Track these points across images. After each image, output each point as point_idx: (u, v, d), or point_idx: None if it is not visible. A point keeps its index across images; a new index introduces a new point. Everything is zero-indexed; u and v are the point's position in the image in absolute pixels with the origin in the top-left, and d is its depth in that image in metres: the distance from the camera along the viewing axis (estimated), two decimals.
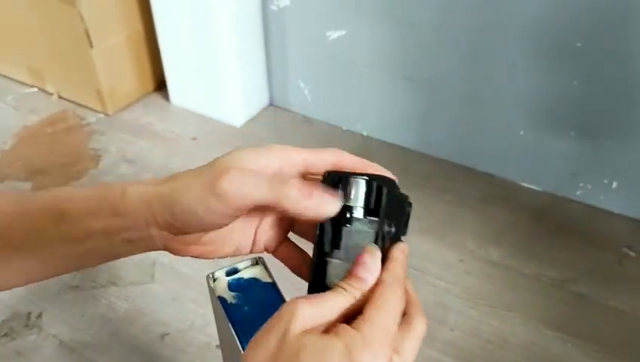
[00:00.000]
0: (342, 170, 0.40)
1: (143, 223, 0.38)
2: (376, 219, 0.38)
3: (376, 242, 0.38)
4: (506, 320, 1.03)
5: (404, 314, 0.37)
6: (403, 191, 0.42)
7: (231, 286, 0.46)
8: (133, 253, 0.41)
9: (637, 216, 1.21)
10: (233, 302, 0.45)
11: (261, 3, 1.40)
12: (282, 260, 0.43)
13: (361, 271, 0.36)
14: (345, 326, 0.34)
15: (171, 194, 0.38)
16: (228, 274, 0.46)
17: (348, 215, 0.38)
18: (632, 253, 1.15)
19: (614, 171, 1.20)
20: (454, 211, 1.24)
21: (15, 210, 0.41)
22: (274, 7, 1.40)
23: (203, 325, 1.01)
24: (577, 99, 1.15)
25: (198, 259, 0.42)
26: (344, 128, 1.48)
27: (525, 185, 1.30)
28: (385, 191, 0.39)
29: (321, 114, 1.50)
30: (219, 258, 0.41)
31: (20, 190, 0.34)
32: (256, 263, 0.47)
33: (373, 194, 0.39)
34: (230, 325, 0.43)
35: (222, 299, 0.45)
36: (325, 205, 0.37)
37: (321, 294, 0.35)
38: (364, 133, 1.46)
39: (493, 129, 1.28)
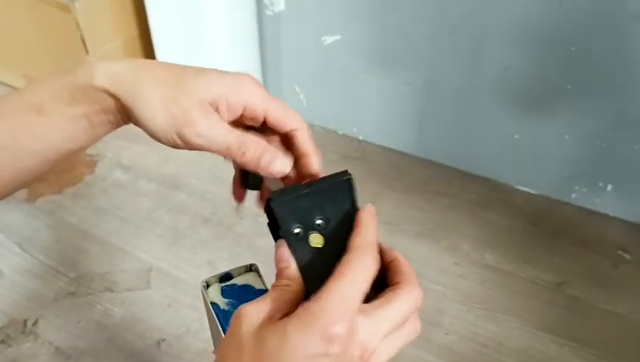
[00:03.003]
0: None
1: (114, 107, 0.41)
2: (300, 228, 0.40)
3: (327, 230, 0.39)
4: (501, 323, 1.03)
5: (395, 283, 0.37)
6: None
7: (224, 293, 0.46)
8: (116, 128, 0.44)
9: (632, 219, 1.22)
10: (226, 308, 0.45)
11: (256, 8, 1.41)
12: None
13: (277, 265, 0.38)
14: (300, 305, 0.34)
15: (136, 106, 0.40)
16: (221, 280, 0.46)
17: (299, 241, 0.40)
18: (627, 256, 1.15)
19: (609, 174, 1.20)
20: (450, 215, 1.24)
21: None
22: (269, 13, 1.40)
23: (199, 331, 1.01)
24: (572, 103, 1.15)
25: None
26: (340, 133, 1.48)
27: (521, 188, 1.31)
28: (276, 205, 0.39)
29: (317, 118, 1.51)
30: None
31: None
32: (250, 270, 0.47)
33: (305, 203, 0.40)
34: (222, 331, 0.43)
35: (215, 305, 0.45)
36: (279, 167, 0.42)
37: (264, 296, 0.36)
38: (360, 138, 1.46)
39: (488, 133, 1.28)
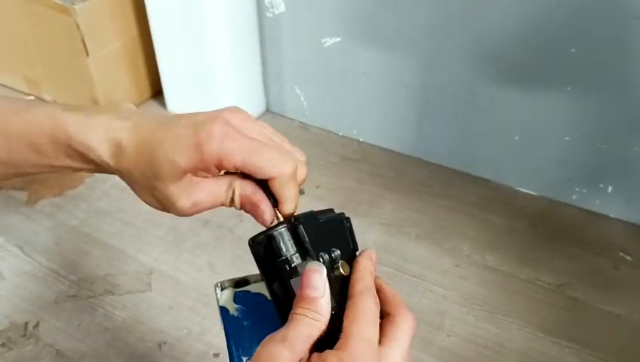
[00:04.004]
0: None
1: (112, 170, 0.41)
2: (324, 257, 0.38)
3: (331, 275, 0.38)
4: (502, 325, 1.03)
5: (387, 314, 0.37)
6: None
7: (236, 298, 0.45)
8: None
9: (633, 220, 1.22)
10: (235, 314, 0.44)
11: (257, 10, 1.41)
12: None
13: (310, 292, 0.35)
14: (329, 351, 0.34)
15: (130, 186, 0.40)
16: (237, 285, 0.46)
17: (288, 267, 0.37)
18: (627, 258, 1.15)
19: (610, 175, 1.20)
20: (450, 217, 1.24)
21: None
22: (269, 15, 1.40)
23: (200, 333, 1.01)
24: (572, 104, 1.16)
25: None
26: (340, 134, 1.48)
27: (521, 190, 1.31)
28: (303, 226, 0.38)
29: (318, 120, 1.51)
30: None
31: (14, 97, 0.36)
32: None
33: (302, 237, 0.38)
34: (225, 337, 0.43)
35: (224, 310, 0.45)
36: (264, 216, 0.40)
37: (287, 328, 0.35)
38: (361, 139, 1.46)
39: (488, 134, 1.29)
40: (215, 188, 0.40)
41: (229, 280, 0.45)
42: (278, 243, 0.38)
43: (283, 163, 0.39)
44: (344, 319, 0.35)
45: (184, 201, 0.39)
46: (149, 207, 0.42)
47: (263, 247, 0.38)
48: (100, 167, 0.41)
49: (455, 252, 1.17)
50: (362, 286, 0.37)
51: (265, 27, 1.43)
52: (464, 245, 1.18)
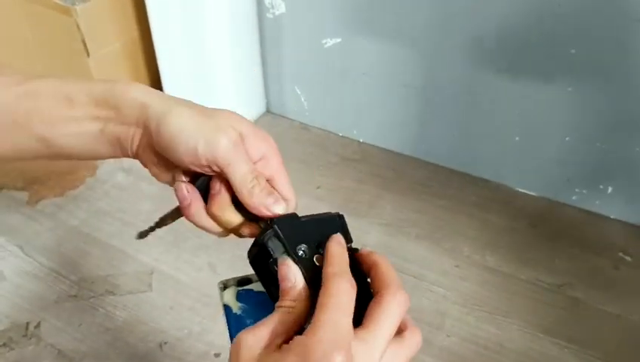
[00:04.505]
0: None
1: (134, 121, 0.42)
2: (303, 249, 0.40)
3: (309, 266, 0.39)
4: (502, 325, 1.03)
5: (375, 293, 0.37)
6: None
7: (239, 297, 0.46)
8: (110, 156, 0.46)
9: (633, 221, 1.22)
10: (238, 312, 0.45)
11: (257, 11, 1.41)
12: None
13: (282, 284, 0.37)
14: (296, 337, 0.34)
15: (165, 115, 0.41)
16: (240, 283, 0.46)
17: (276, 267, 0.39)
18: (627, 258, 1.15)
19: (610, 176, 1.20)
20: (450, 217, 1.25)
21: (22, 91, 0.44)
22: (270, 15, 1.41)
23: (201, 333, 1.01)
24: (572, 105, 1.16)
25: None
26: (340, 134, 1.48)
27: (521, 190, 1.31)
28: (277, 228, 0.40)
29: (318, 120, 1.51)
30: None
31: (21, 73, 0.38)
32: None
33: (276, 232, 0.40)
34: (228, 335, 0.43)
35: (227, 308, 0.45)
36: (270, 207, 0.42)
37: (266, 319, 0.36)
38: (361, 140, 1.47)
39: (488, 135, 1.29)
40: (249, 160, 0.43)
41: (231, 279, 0.46)
42: (267, 247, 0.40)
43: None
44: (316, 306, 0.35)
45: (232, 138, 0.42)
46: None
47: (256, 255, 0.41)
48: (131, 111, 0.42)
49: (455, 252, 1.17)
50: (331, 270, 0.37)
51: (265, 27, 1.43)
52: (464, 245, 1.18)
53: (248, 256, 0.42)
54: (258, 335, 0.35)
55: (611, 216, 1.23)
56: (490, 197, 1.29)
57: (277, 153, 0.45)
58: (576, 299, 1.08)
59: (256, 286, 0.46)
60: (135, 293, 1.08)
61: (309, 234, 0.41)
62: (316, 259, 0.40)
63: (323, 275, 0.37)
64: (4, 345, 0.99)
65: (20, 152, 0.46)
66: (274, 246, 0.40)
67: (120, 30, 1.49)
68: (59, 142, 0.45)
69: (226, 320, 0.44)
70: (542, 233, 1.21)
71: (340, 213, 0.44)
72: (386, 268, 0.39)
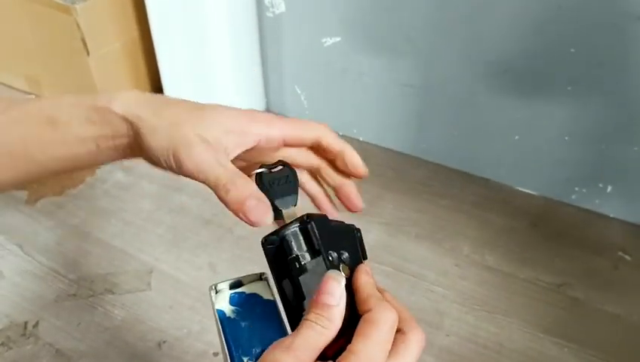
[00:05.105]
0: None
1: (125, 133, 0.42)
2: (333, 256, 0.39)
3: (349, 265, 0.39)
4: (502, 325, 1.03)
5: (397, 330, 0.36)
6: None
7: (232, 300, 0.45)
8: (116, 159, 0.45)
9: (632, 220, 1.22)
10: (232, 316, 0.44)
11: (257, 9, 1.41)
12: None
13: (325, 298, 0.35)
14: None
15: (143, 129, 0.41)
16: (231, 287, 0.46)
17: (298, 265, 0.38)
18: (627, 257, 1.15)
19: (609, 175, 1.20)
20: (450, 216, 1.25)
21: (6, 119, 0.44)
22: (270, 14, 1.41)
23: (200, 332, 1.01)
24: (572, 104, 1.16)
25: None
26: (340, 133, 1.48)
27: (520, 189, 1.31)
28: (315, 225, 0.39)
29: (318, 119, 1.49)
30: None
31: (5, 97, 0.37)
32: (260, 278, 0.47)
33: (311, 234, 0.39)
34: (224, 339, 0.43)
35: (221, 312, 0.45)
36: (257, 215, 0.39)
37: (295, 335, 0.34)
38: (361, 139, 1.46)
39: (488, 134, 1.29)
40: (222, 163, 0.41)
41: (222, 282, 0.45)
42: (289, 241, 0.39)
43: (320, 125, 0.44)
44: (357, 330, 0.34)
45: (197, 148, 0.40)
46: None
47: (275, 245, 0.39)
48: (120, 126, 0.42)
49: (455, 251, 1.17)
50: (373, 300, 0.36)
51: (265, 27, 1.43)
52: (464, 245, 1.18)
53: (264, 244, 0.40)
54: (298, 358, 0.33)
55: (611, 215, 1.23)
56: (490, 197, 1.29)
57: (272, 120, 0.43)
58: (575, 298, 1.08)
59: (249, 289, 0.46)
60: (134, 292, 1.08)
61: (336, 242, 0.39)
62: (342, 269, 0.38)
63: (366, 299, 0.36)
64: (3, 344, 0.99)
65: (22, 179, 0.46)
66: (298, 241, 0.39)
67: (120, 29, 1.49)
68: (56, 165, 0.44)
69: (219, 324, 0.44)
70: (541, 232, 1.21)
71: (358, 227, 0.43)
72: (401, 306, 0.38)
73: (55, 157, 0.44)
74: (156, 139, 0.40)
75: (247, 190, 0.39)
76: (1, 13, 1.52)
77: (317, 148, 0.46)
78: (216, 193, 0.40)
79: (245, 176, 0.40)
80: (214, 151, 0.40)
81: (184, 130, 0.40)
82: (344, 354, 0.33)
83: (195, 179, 0.40)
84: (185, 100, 0.43)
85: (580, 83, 1.13)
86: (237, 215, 0.39)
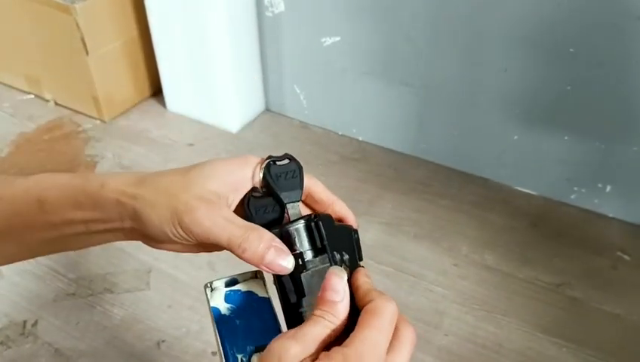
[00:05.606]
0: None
1: (118, 218, 0.41)
2: (325, 253, 0.39)
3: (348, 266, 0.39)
4: (501, 324, 1.03)
5: (368, 302, 0.37)
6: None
7: (227, 298, 0.45)
8: (110, 241, 0.43)
9: (631, 220, 1.22)
10: (227, 313, 0.44)
11: (256, 9, 1.41)
12: None
13: (330, 295, 0.36)
14: (336, 347, 0.34)
15: (142, 208, 0.40)
16: (227, 285, 0.46)
17: (300, 261, 0.38)
18: (626, 257, 1.15)
19: (608, 175, 1.20)
20: (450, 216, 1.24)
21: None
22: (269, 14, 1.40)
23: (199, 332, 1.01)
24: (571, 104, 1.16)
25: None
26: (340, 133, 1.48)
27: (520, 189, 1.31)
28: (322, 225, 0.39)
29: (317, 119, 1.51)
30: (193, 253, 0.43)
31: None
32: (255, 276, 0.47)
33: (315, 232, 0.39)
34: (218, 336, 0.43)
35: (216, 310, 0.45)
36: (280, 265, 0.38)
37: (301, 327, 0.35)
38: (360, 138, 1.46)
39: (488, 134, 1.29)
40: (231, 221, 0.40)
41: (218, 280, 0.45)
42: (293, 237, 0.39)
43: (309, 176, 0.45)
44: (359, 320, 0.35)
45: (201, 210, 0.39)
46: None
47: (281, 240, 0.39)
48: (111, 210, 0.41)
49: (454, 251, 1.17)
50: (375, 291, 0.37)
51: (264, 26, 1.43)
52: (463, 244, 1.18)
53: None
54: (305, 346, 0.34)
55: (610, 215, 1.23)
56: (490, 197, 1.29)
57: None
58: (574, 298, 1.07)
59: (244, 287, 0.46)
60: (133, 292, 1.08)
61: (338, 242, 0.40)
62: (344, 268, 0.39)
63: (367, 293, 0.37)
64: (2, 343, 0.99)
65: (10, 259, 0.45)
66: (301, 238, 0.39)
67: (119, 29, 1.49)
68: (46, 248, 0.44)
69: (214, 322, 0.44)
70: (541, 232, 1.21)
71: (355, 228, 0.43)
72: (365, 282, 0.39)
73: (42, 239, 0.43)
74: (158, 213, 0.39)
75: (261, 244, 0.39)
76: (1, 13, 1.52)
77: (306, 199, 0.46)
78: (232, 252, 0.40)
79: (255, 227, 0.40)
80: (218, 209, 0.40)
81: (183, 197, 0.40)
82: (348, 340, 0.34)
83: (209, 242, 0.40)
84: (174, 169, 0.43)
85: (579, 83, 1.13)
86: (259, 268, 0.40)
